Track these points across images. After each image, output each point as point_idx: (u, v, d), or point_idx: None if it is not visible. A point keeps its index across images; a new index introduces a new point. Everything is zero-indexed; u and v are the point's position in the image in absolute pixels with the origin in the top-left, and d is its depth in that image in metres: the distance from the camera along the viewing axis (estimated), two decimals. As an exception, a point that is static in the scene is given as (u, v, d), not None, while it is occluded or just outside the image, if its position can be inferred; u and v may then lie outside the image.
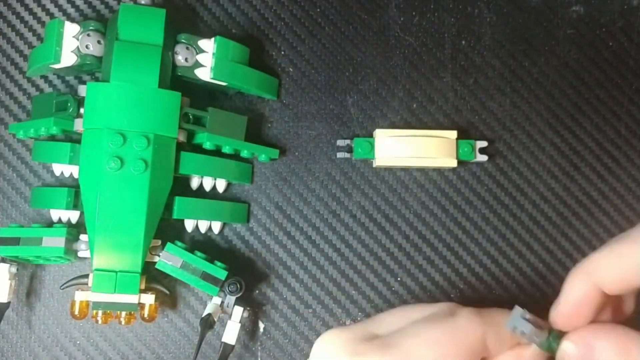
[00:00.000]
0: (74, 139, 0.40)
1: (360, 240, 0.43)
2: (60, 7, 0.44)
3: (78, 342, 0.42)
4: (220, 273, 0.39)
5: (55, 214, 0.41)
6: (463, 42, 0.44)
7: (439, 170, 0.43)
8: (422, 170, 0.43)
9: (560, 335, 0.31)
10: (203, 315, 0.39)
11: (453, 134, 0.41)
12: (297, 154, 0.43)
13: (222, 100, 0.43)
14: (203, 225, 0.41)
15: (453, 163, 0.41)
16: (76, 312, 0.39)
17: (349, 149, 0.42)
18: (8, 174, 0.43)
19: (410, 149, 0.41)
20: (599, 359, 0.29)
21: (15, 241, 0.39)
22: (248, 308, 0.40)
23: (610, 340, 0.29)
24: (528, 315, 0.31)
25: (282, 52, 0.44)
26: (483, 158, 0.42)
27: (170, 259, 0.39)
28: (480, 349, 0.31)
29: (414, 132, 0.42)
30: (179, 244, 0.39)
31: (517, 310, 0.31)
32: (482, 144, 0.42)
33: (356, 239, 0.43)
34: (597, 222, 0.43)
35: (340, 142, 0.42)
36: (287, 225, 0.43)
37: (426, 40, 0.44)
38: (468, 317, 0.31)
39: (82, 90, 0.39)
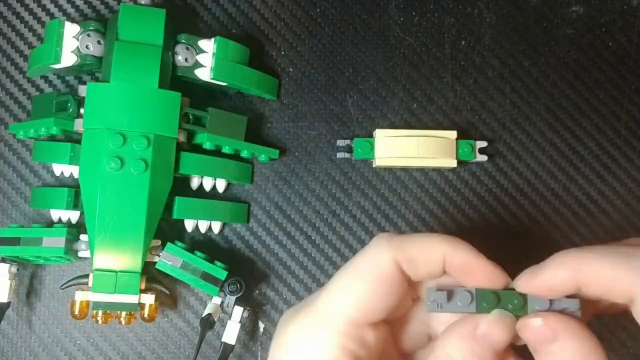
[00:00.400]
0: (74, 139, 0.40)
1: (360, 240, 0.43)
2: (60, 7, 0.44)
3: (78, 342, 0.42)
4: (220, 273, 0.39)
5: (56, 214, 0.41)
6: (463, 42, 0.44)
7: (439, 170, 0.43)
8: (422, 170, 0.43)
9: (492, 296, 0.29)
10: (203, 315, 0.39)
11: (453, 134, 0.42)
12: (297, 154, 0.43)
13: (222, 100, 0.43)
14: (203, 225, 0.41)
15: (453, 163, 0.41)
16: (76, 312, 0.39)
17: (349, 149, 0.42)
18: (8, 174, 0.43)
19: (410, 149, 0.41)
20: (555, 350, 0.28)
21: (15, 241, 0.39)
22: (248, 308, 0.40)
23: (575, 340, 0.28)
24: (442, 283, 0.29)
25: (282, 52, 0.44)
26: (483, 158, 0.42)
27: (170, 259, 0.39)
28: (395, 276, 0.29)
29: (414, 132, 0.42)
30: (179, 244, 0.39)
31: (428, 286, 0.30)
32: (482, 144, 0.42)
33: (356, 239, 0.43)
34: (597, 222, 0.43)
35: (340, 142, 0.42)
36: (287, 225, 0.43)
37: (426, 40, 0.44)
38: (375, 244, 0.30)
39: (82, 90, 0.39)
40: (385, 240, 0.29)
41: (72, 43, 0.39)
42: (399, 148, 0.41)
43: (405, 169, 0.43)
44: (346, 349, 0.29)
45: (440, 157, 0.41)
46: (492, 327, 0.28)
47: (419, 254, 0.29)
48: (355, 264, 0.30)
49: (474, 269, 0.29)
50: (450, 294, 0.29)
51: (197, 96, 0.41)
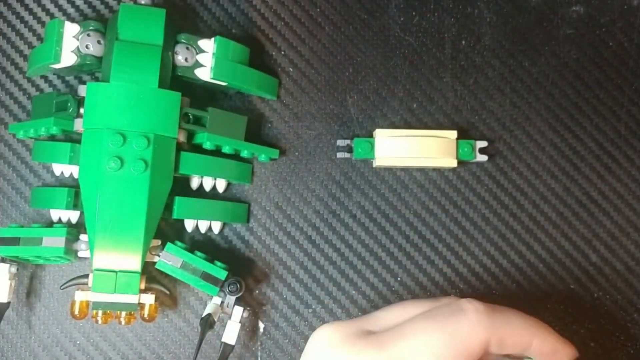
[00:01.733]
0: (74, 139, 0.40)
1: (360, 240, 0.43)
2: (60, 7, 0.44)
3: (78, 342, 0.42)
4: (220, 273, 0.39)
5: (55, 214, 0.41)
6: (463, 42, 0.44)
7: (439, 170, 0.43)
8: (422, 170, 0.43)
9: None
10: (203, 315, 0.39)
11: (453, 134, 0.41)
12: (297, 154, 0.43)
13: (222, 100, 0.43)
14: (203, 225, 0.41)
15: (453, 163, 0.41)
16: (76, 312, 0.39)
17: (349, 149, 0.42)
18: (8, 174, 0.43)
19: (410, 149, 0.41)
20: None
21: (15, 241, 0.39)
22: (248, 308, 0.40)
23: None
24: None
25: (282, 52, 0.44)
26: (483, 158, 0.42)
27: (170, 259, 0.39)
28: (480, 354, 0.29)
29: (414, 132, 0.42)
30: (179, 244, 0.39)
31: None
32: (482, 144, 0.42)
33: (356, 239, 0.43)
34: (597, 222, 0.43)
35: (340, 142, 0.42)
36: (287, 225, 0.43)
37: (426, 40, 0.44)
38: (472, 321, 0.29)
39: (82, 90, 0.39)
40: (484, 317, 0.30)
41: (72, 43, 0.39)
42: (399, 148, 0.41)
43: (406, 169, 0.43)
44: None
45: (440, 157, 0.41)
46: None
47: (512, 338, 0.30)
48: (446, 329, 0.29)
49: (560, 353, 0.31)
50: None
51: (197, 96, 0.41)
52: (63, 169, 0.40)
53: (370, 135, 0.43)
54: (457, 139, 0.42)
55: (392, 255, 0.43)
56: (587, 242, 0.43)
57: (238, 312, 0.39)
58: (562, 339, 0.31)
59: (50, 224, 0.41)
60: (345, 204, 0.43)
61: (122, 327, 0.42)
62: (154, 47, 0.39)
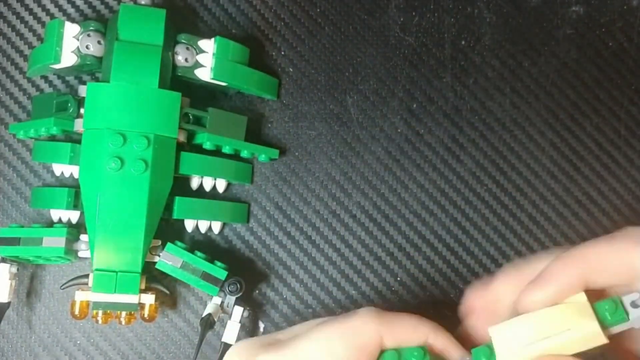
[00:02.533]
0: (74, 139, 0.40)
1: (360, 240, 0.43)
2: (60, 7, 0.43)
3: (78, 342, 0.42)
4: (220, 273, 0.39)
5: (56, 214, 0.41)
6: (463, 42, 0.44)
7: (439, 170, 0.43)
8: (422, 170, 0.43)
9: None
10: (203, 315, 0.39)
11: (581, 296, 0.30)
12: (297, 154, 0.43)
13: (222, 100, 0.43)
14: (203, 225, 0.41)
15: (598, 332, 0.29)
16: (76, 312, 0.39)
17: None
18: (8, 174, 0.43)
19: (534, 331, 0.30)
20: None
21: (15, 241, 0.39)
22: (248, 308, 0.40)
23: None
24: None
25: (282, 52, 0.44)
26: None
27: (170, 259, 0.39)
28: (374, 347, 0.31)
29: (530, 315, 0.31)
30: (179, 244, 0.39)
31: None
32: (634, 296, 0.29)
33: (356, 239, 0.43)
34: (597, 222, 0.43)
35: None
36: (287, 225, 0.43)
37: (426, 40, 0.44)
38: (364, 317, 0.32)
39: (82, 90, 0.39)
40: (375, 313, 0.32)
41: (72, 43, 0.39)
42: (521, 335, 0.30)
43: (405, 169, 0.43)
44: None
45: (576, 328, 0.29)
46: None
47: (404, 334, 0.32)
48: (340, 326, 0.31)
49: (450, 353, 0.33)
50: None
51: (197, 96, 0.41)
52: (63, 169, 0.40)
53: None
54: (591, 301, 0.30)
55: (392, 255, 0.43)
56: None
57: (238, 312, 0.39)
58: (454, 340, 0.33)
59: (50, 224, 0.41)
60: (345, 204, 0.43)
61: (122, 327, 0.42)
62: (154, 47, 0.39)
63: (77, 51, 0.39)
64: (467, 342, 0.33)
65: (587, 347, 0.29)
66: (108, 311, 0.39)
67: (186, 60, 0.40)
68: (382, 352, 0.31)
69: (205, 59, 0.40)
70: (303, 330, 0.33)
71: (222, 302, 0.40)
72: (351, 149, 0.43)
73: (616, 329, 0.29)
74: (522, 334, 0.30)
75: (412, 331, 0.32)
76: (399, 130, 0.43)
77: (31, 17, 0.44)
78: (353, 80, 0.44)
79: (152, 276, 0.40)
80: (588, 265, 0.30)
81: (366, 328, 0.31)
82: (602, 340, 0.29)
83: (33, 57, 0.41)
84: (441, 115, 0.43)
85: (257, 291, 0.42)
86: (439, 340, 0.32)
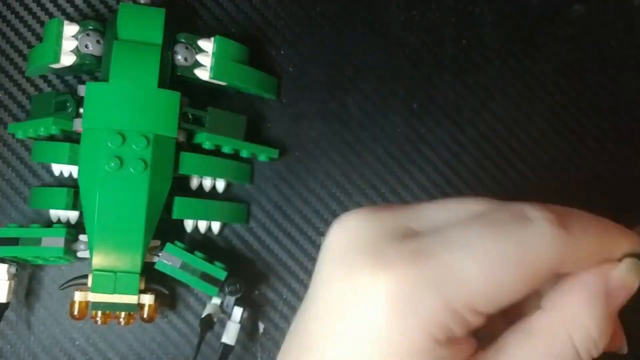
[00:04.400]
0: (73, 138, 0.40)
1: (360, 240, 0.42)
2: (59, 7, 0.43)
3: (77, 342, 0.42)
4: (220, 273, 0.39)
5: (55, 214, 0.41)
6: (464, 41, 0.44)
7: (440, 170, 0.43)
8: (423, 170, 0.43)
9: None
10: (202, 316, 0.39)
11: None
12: (297, 154, 0.43)
13: (222, 100, 0.43)
14: (202, 226, 0.41)
15: None
16: (75, 313, 0.39)
17: None
18: (7, 174, 0.42)
19: None
20: None
21: (14, 241, 0.39)
22: (248, 308, 0.40)
23: None
24: None
25: (282, 52, 0.44)
26: None
27: (169, 259, 0.39)
28: (548, 275, 0.23)
29: None
30: (179, 244, 0.39)
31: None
32: None
33: (356, 239, 0.42)
34: (598, 222, 0.43)
35: None
36: (287, 225, 0.43)
37: (427, 39, 0.44)
38: (546, 232, 0.22)
39: (82, 90, 0.39)
40: (558, 229, 0.22)
41: (71, 42, 0.39)
42: None
43: (405, 170, 0.43)
44: (449, 329, 0.22)
45: None
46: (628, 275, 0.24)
47: (588, 250, 0.24)
48: (509, 237, 0.22)
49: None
50: None
51: (197, 96, 0.41)
52: (62, 169, 0.40)
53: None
54: None
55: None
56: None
57: (238, 312, 0.39)
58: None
59: (49, 224, 0.41)
60: (346, 204, 0.43)
61: (121, 327, 0.41)
62: (154, 46, 0.39)
63: (76, 50, 0.39)
64: None
65: None
66: (107, 312, 0.39)
67: (185, 59, 0.40)
68: None
69: (205, 59, 0.40)
70: (447, 220, 0.23)
71: (222, 303, 0.40)
72: (351, 149, 0.43)
73: None
74: None
75: (603, 247, 0.24)
76: (399, 130, 0.43)
77: (30, 16, 0.43)
78: (353, 79, 0.43)
79: (151, 276, 0.40)
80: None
81: (549, 247, 0.22)
82: None
83: (32, 57, 0.41)
84: (442, 115, 0.43)
85: (257, 291, 0.42)
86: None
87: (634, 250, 0.25)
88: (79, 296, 0.38)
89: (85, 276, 0.39)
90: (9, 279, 0.39)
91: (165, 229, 0.41)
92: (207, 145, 0.40)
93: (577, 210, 0.24)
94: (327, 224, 0.42)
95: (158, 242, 0.39)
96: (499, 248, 0.22)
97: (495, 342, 0.24)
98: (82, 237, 0.39)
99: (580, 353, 0.23)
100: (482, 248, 0.22)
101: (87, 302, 0.39)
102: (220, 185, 0.42)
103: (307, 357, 0.22)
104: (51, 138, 0.41)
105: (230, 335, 0.39)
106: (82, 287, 0.39)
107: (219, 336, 0.39)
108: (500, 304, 0.22)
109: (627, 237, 0.25)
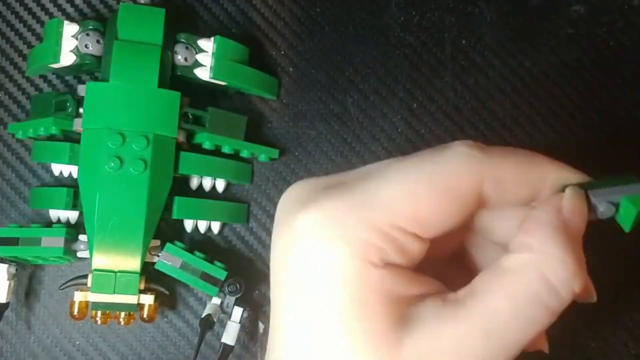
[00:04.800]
0: (73, 138, 0.40)
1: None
2: (59, 7, 0.43)
3: (77, 342, 0.42)
4: (220, 273, 0.39)
5: (55, 214, 0.41)
6: (463, 41, 0.44)
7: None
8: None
9: None
10: (202, 316, 0.39)
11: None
12: (297, 154, 0.43)
13: (222, 100, 0.43)
14: (202, 226, 0.41)
15: None
16: (75, 313, 0.39)
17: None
18: (7, 174, 0.42)
19: None
20: None
21: (14, 241, 0.38)
22: (248, 308, 0.40)
23: None
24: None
25: (282, 52, 0.44)
26: None
27: (169, 259, 0.39)
28: (471, 198, 0.24)
29: None
30: (179, 244, 0.39)
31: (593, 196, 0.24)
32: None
33: (356, 239, 0.42)
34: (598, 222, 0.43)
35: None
36: (287, 226, 0.43)
37: (426, 39, 0.44)
38: (460, 152, 0.24)
39: (82, 90, 0.39)
40: (475, 148, 0.24)
41: (71, 42, 0.39)
42: None
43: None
44: (381, 251, 0.23)
45: None
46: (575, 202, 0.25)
47: (515, 176, 0.24)
48: (426, 164, 0.23)
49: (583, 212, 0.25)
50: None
51: (197, 96, 0.41)
52: (62, 169, 0.40)
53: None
54: None
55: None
56: (588, 242, 0.42)
57: (238, 312, 0.39)
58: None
59: (49, 224, 0.40)
60: (346, 204, 0.43)
61: (121, 327, 0.41)
62: (154, 46, 0.39)
63: (76, 50, 0.39)
64: None
65: None
66: (107, 312, 0.39)
67: (185, 59, 0.40)
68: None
69: (205, 59, 0.40)
70: (374, 169, 0.25)
71: (222, 303, 0.40)
72: (351, 149, 0.43)
73: None
74: None
75: (527, 171, 0.24)
76: (399, 130, 0.43)
77: (30, 16, 0.43)
78: (353, 79, 0.43)
79: (151, 276, 0.40)
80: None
81: (462, 169, 0.23)
82: None
83: (32, 57, 0.41)
84: (442, 115, 0.43)
85: (257, 291, 0.42)
86: (576, 197, 0.24)
87: (570, 180, 0.25)
88: (78, 296, 0.38)
89: (85, 276, 0.39)
90: (8, 279, 0.39)
91: (165, 229, 0.41)
92: (207, 145, 0.40)
93: (505, 147, 0.25)
94: (327, 224, 0.42)
95: (158, 242, 0.39)
96: (415, 168, 0.23)
97: (469, 285, 0.24)
98: (82, 237, 0.39)
99: (558, 288, 0.23)
100: (400, 172, 0.23)
101: (87, 302, 0.39)
102: (220, 185, 0.42)
103: (272, 295, 0.25)
104: (51, 138, 0.41)
105: (230, 335, 0.39)
106: (82, 287, 0.39)
107: (219, 336, 0.39)
108: (433, 227, 0.23)
109: (555, 164, 0.25)
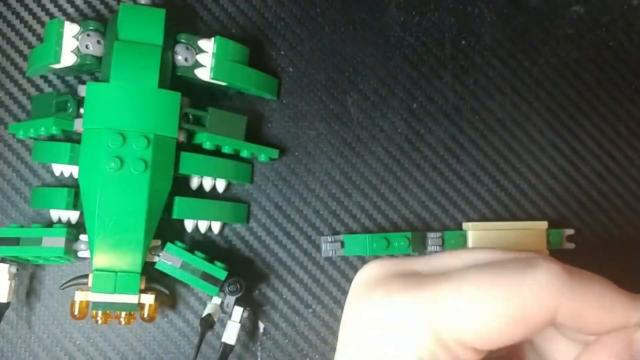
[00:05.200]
0: (73, 139, 0.40)
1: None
2: (60, 7, 0.43)
3: (78, 342, 0.42)
4: (220, 273, 0.39)
5: (55, 214, 0.41)
6: (463, 42, 0.44)
7: (439, 170, 0.43)
8: (422, 170, 0.43)
9: None
10: (203, 316, 0.39)
11: (543, 224, 0.41)
12: (297, 154, 0.43)
13: (222, 100, 0.43)
14: (203, 226, 0.41)
15: (545, 254, 0.41)
16: (76, 313, 0.39)
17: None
18: (8, 174, 0.43)
19: (501, 242, 0.41)
20: None
21: (15, 241, 0.39)
22: (248, 308, 0.40)
23: None
24: None
25: (282, 52, 0.44)
26: (570, 246, 0.42)
27: (170, 259, 0.39)
28: (542, 327, 0.23)
29: (504, 225, 0.42)
30: (179, 244, 0.39)
31: None
32: (570, 231, 0.42)
33: (356, 239, 0.43)
34: (598, 222, 0.43)
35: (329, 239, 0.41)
36: (287, 225, 0.43)
37: (426, 40, 0.44)
38: (541, 280, 0.22)
39: (82, 90, 0.39)
40: (560, 276, 0.22)
41: (71, 43, 0.39)
42: (490, 241, 0.41)
43: (405, 170, 0.43)
44: (436, 357, 0.23)
45: (531, 248, 0.41)
46: None
47: (594, 312, 0.23)
48: (503, 287, 0.23)
49: None
50: None
51: (197, 96, 0.41)
52: (63, 169, 0.40)
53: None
54: (547, 229, 0.41)
55: (392, 256, 0.42)
56: (588, 242, 0.43)
57: (238, 312, 0.39)
58: None
59: (50, 224, 0.41)
60: (345, 205, 0.43)
61: (121, 327, 0.42)
62: (154, 47, 0.39)
63: (77, 51, 0.39)
64: None
65: None
66: (107, 311, 0.39)
67: (186, 60, 0.40)
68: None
69: (205, 59, 0.40)
70: (453, 266, 0.25)
71: (222, 302, 0.40)
72: (351, 149, 0.43)
73: None
74: None
75: (612, 312, 0.23)
76: (399, 130, 0.43)
77: (31, 17, 0.43)
78: (353, 80, 0.43)
79: (151, 276, 0.40)
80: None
81: (540, 301, 0.22)
82: None
83: (32, 57, 0.41)
84: (441, 115, 0.43)
85: (257, 291, 0.42)
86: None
87: None
88: (79, 296, 0.38)
89: (86, 276, 0.39)
90: (9, 279, 0.39)
91: (165, 229, 0.41)
92: (207, 145, 0.40)
93: (597, 275, 0.24)
94: (327, 223, 0.43)
95: (158, 242, 0.39)
96: (490, 287, 0.23)
97: None
98: (83, 237, 0.39)
99: None
100: (473, 288, 0.23)
101: (87, 302, 0.39)
102: (221, 185, 0.42)
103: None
104: (52, 138, 0.41)
105: (230, 334, 0.39)
106: (83, 286, 0.39)
107: (219, 336, 0.39)
108: (493, 344, 0.23)
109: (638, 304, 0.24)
